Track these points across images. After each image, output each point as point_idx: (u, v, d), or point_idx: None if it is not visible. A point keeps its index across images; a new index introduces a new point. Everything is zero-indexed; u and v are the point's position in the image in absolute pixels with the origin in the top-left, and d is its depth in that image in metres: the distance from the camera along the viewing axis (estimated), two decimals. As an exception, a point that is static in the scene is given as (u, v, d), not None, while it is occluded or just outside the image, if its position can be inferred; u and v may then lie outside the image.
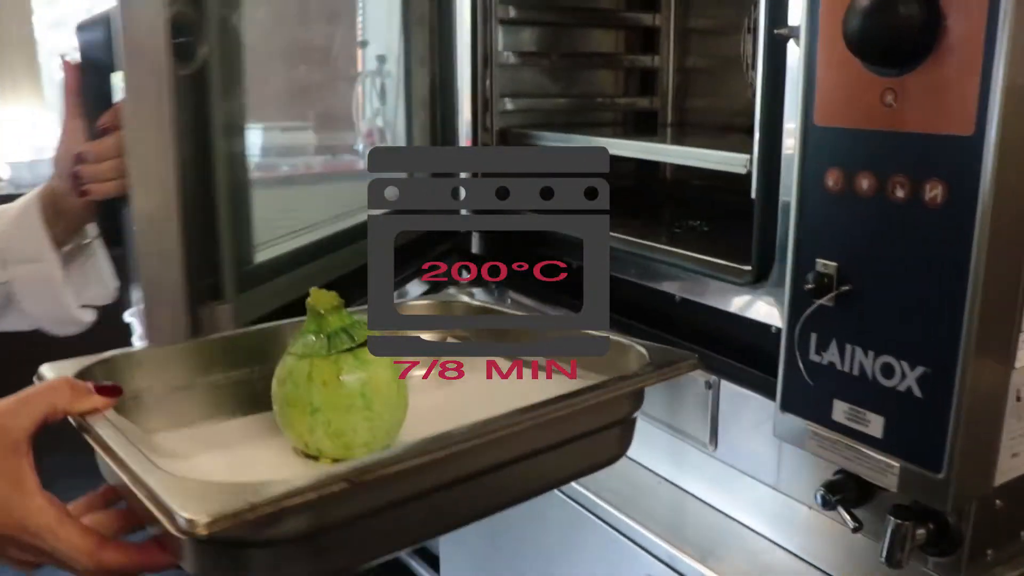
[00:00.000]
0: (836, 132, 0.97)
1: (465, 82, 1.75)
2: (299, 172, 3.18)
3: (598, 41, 1.93)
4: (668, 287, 1.37)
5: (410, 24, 1.94)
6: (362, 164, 3.22)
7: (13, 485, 0.63)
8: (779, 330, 1.18)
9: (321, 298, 0.78)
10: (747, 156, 1.21)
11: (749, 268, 1.19)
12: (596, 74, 1.93)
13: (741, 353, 1.27)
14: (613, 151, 1.57)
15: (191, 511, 0.54)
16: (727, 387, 1.29)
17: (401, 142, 3.11)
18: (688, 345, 1.34)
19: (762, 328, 1.21)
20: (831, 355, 1.01)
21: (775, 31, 1.07)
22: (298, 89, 3.22)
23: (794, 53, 1.08)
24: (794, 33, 1.05)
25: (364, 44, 3.19)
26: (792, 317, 1.05)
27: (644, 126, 1.96)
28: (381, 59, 3.09)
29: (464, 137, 1.78)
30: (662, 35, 1.93)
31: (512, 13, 1.75)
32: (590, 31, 1.92)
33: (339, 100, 3.27)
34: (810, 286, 1.00)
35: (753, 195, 1.19)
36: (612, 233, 1.42)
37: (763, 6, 1.13)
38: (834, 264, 0.99)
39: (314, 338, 0.77)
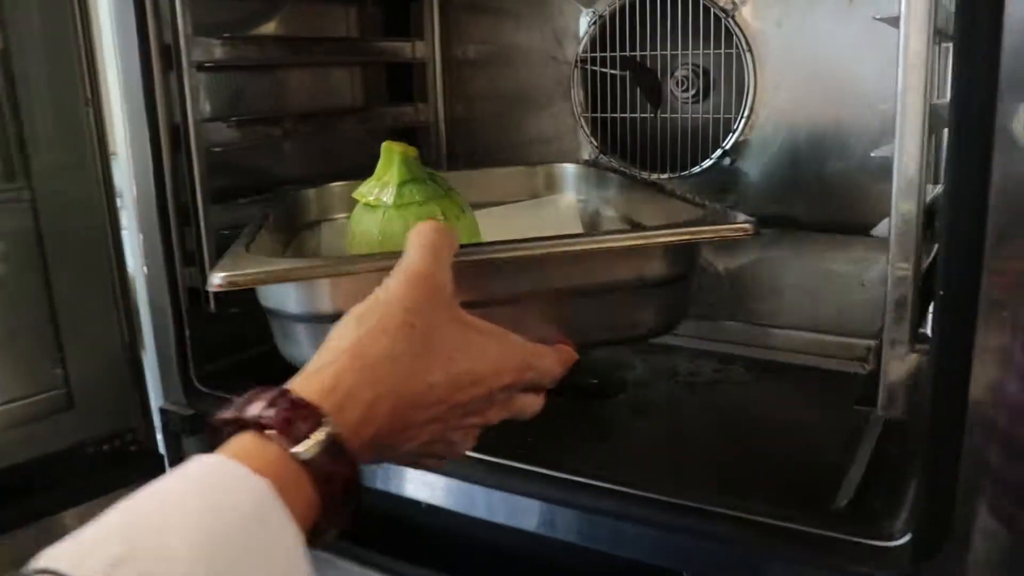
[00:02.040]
0: None
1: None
2: None
3: (340, 89, 1.23)
4: (659, 557, 0.76)
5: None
6: None
7: (490, 334, 0.56)
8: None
9: (407, 148, 0.75)
10: (868, 343, 0.64)
11: (902, 542, 0.63)
12: (342, 139, 1.22)
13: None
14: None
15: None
16: None
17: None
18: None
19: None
20: None
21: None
22: None
23: None
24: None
25: None
26: None
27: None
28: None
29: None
30: (428, 72, 1.28)
31: (214, 54, 0.99)
32: (329, 73, 1.20)
33: None
34: None
35: (881, 410, 0.63)
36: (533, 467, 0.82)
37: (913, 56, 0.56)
38: None
39: (418, 185, 0.74)
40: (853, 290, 0.88)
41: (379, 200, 0.74)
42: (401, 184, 0.74)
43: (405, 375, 0.50)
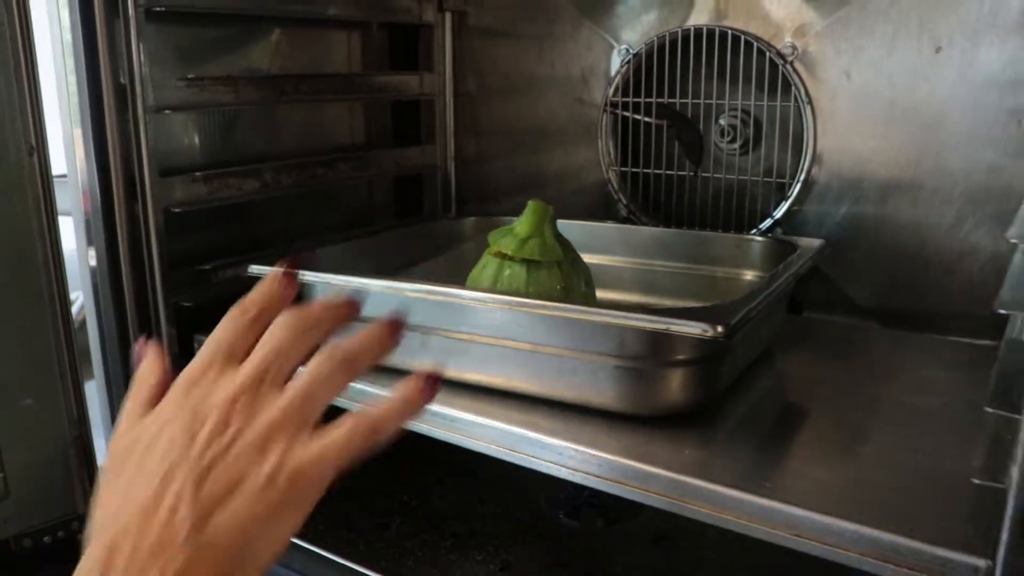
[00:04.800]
0: None
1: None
2: None
3: (335, 131, 1.08)
4: None
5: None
6: None
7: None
8: None
9: (548, 207, 0.76)
10: (983, 563, 0.47)
11: None
12: (334, 188, 1.07)
13: None
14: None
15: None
16: None
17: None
18: None
19: None
20: None
21: None
22: None
23: None
24: None
25: None
26: None
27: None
28: None
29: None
30: (437, 108, 1.13)
31: (176, 96, 0.85)
32: (322, 114, 1.06)
33: None
34: None
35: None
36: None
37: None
38: None
39: (541, 243, 0.74)
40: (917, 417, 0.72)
41: (501, 247, 0.74)
42: (522, 240, 0.74)
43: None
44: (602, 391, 0.62)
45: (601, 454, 0.59)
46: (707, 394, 0.63)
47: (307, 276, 0.74)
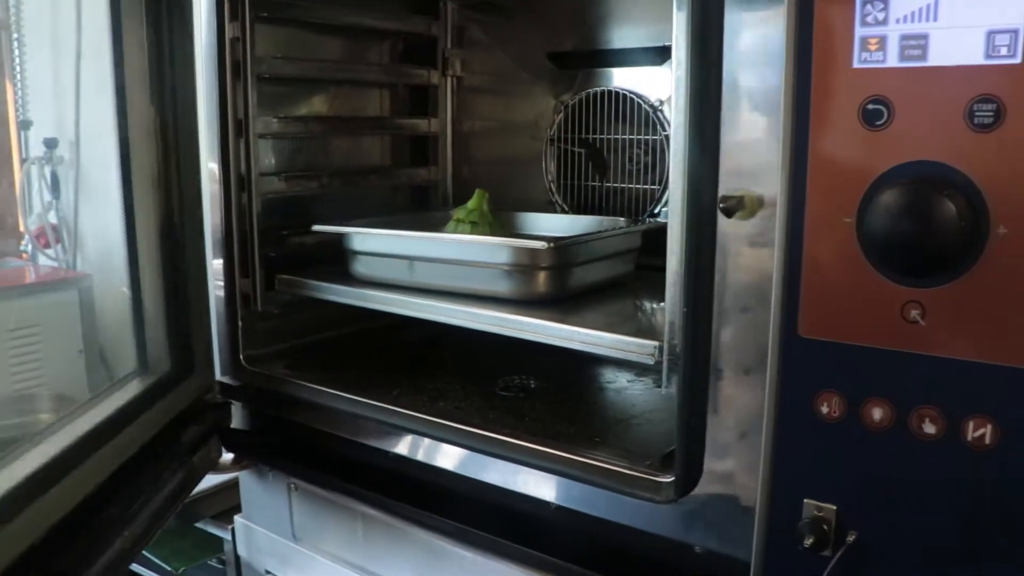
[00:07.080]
0: (833, 348, 0.76)
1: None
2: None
3: (370, 154, 1.62)
4: (541, 491, 1.09)
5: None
6: (33, 274, 2.58)
7: None
8: (706, 551, 0.97)
9: (485, 193, 1.33)
10: (654, 343, 0.97)
11: (670, 479, 0.95)
12: (368, 192, 1.61)
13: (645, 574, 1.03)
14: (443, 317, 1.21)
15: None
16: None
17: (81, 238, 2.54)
18: (572, 567, 1.08)
19: (679, 549, 0.98)
20: (829, 617, 0.80)
21: (721, 204, 0.84)
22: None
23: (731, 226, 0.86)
24: (734, 206, 0.84)
25: (26, 125, 2.57)
26: (768, 569, 0.83)
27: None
28: (50, 143, 2.51)
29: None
30: (440, 142, 1.66)
31: (272, 127, 1.38)
32: (362, 142, 1.59)
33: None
34: (809, 540, 0.78)
35: (664, 388, 0.95)
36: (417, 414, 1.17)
37: (676, 162, 0.89)
38: (832, 507, 0.78)
39: (477, 214, 1.30)
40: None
41: (458, 215, 1.32)
42: (470, 211, 1.31)
43: None
44: (500, 286, 1.13)
45: (499, 314, 1.10)
46: (560, 290, 1.14)
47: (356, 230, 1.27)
